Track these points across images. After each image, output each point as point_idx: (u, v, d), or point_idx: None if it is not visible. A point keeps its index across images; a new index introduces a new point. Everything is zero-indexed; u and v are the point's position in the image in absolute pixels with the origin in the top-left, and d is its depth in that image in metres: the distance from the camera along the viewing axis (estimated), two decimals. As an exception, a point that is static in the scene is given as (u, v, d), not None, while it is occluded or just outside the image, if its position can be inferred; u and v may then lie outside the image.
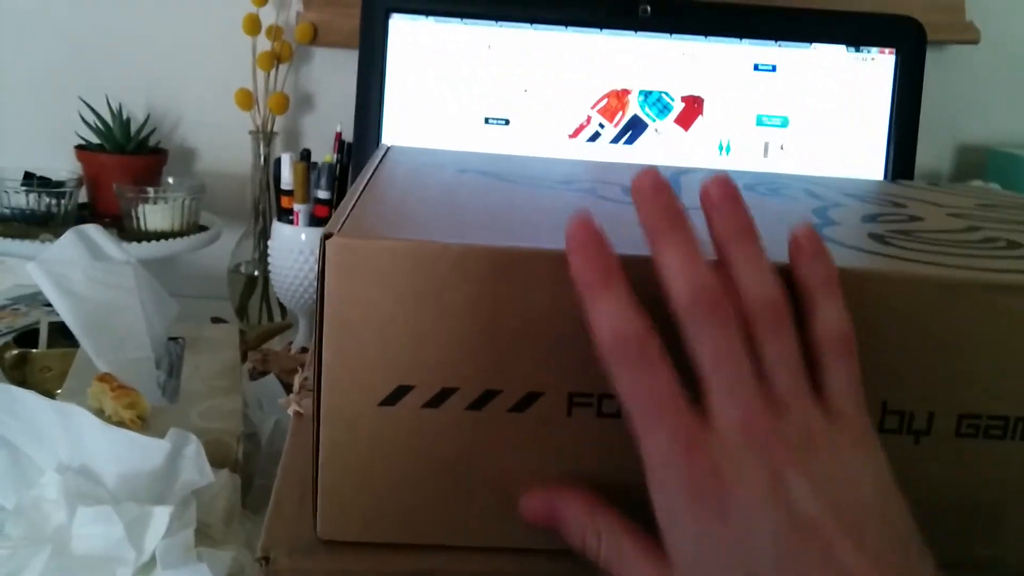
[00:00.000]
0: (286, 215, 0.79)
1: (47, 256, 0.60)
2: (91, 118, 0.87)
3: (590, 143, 0.82)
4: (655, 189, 0.30)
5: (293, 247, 0.78)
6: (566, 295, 0.29)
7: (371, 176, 0.42)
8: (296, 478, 0.34)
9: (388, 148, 0.53)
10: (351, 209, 0.33)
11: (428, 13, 0.79)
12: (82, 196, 0.86)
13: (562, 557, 0.31)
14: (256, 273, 0.89)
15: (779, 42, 0.81)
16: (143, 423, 0.51)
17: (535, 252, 0.30)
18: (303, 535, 0.32)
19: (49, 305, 0.59)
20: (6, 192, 0.79)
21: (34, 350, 0.68)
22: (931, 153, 0.97)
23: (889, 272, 0.31)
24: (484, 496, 0.31)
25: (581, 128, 0.81)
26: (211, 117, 0.93)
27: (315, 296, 0.30)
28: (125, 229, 0.81)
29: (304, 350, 0.75)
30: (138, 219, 0.80)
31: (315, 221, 0.79)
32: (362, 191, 0.38)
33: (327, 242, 0.29)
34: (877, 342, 0.31)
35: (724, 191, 0.30)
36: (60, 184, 0.81)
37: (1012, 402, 0.32)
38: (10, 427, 0.46)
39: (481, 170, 0.48)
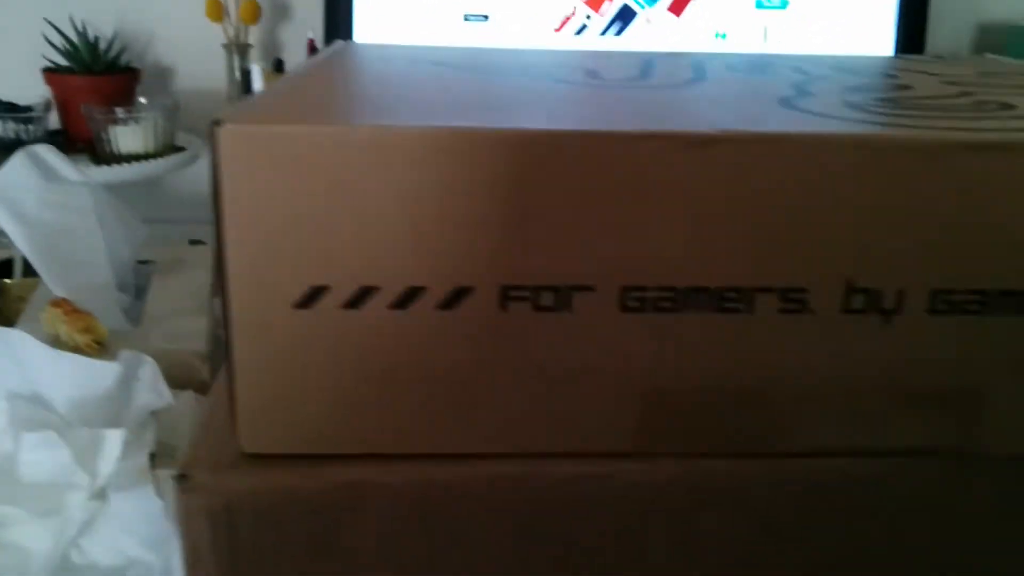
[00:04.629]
0: (261, 129, 0.76)
1: (-5, 180, 0.58)
2: (58, 40, 0.84)
3: (577, 36, 0.77)
4: None
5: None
6: (495, 180, 0.26)
7: (303, 68, 0.38)
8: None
9: (342, 43, 0.49)
10: (256, 98, 0.30)
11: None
12: (56, 122, 0.83)
13: (501, 460, 0.29)
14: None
15: (775, -86, 0.75)
16: (101, 348, 0.50)
17: (456, 132, 0.27)
18: (229, 451, 0.29)
19: (10, 233, 0.57)
20: (-28, 121, 0.77)
21: (8, 280, 0.66)
22: (949, 34, 0.91)
23: (855, 136, 0.28)
24: (414, 401, 0.29)
25: (567, 20, 0.77)
26: (185, 32, 0.89)
27: (209, 191, 0.27)
28: (98, 153, 0.78)
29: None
30: (109, 141, 0.77)
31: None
32: (288, 83, 0.34)
33: (218, 130, 0.26)
34: (839, 213, 0.27)
35: None
36: (27, 109, 0.78)
37: (990, 274, 0.28)
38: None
39: (434, 60, 0.44)
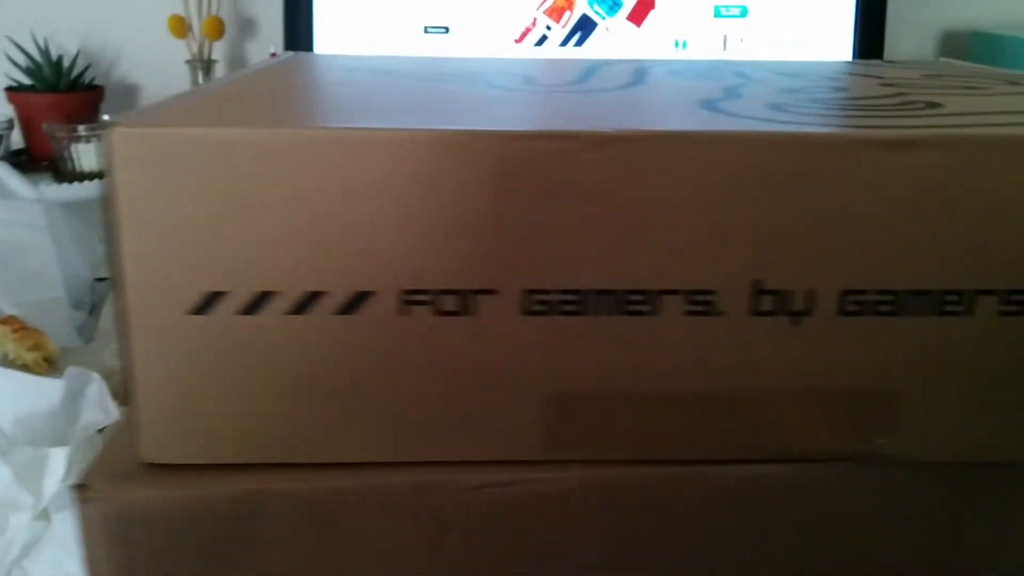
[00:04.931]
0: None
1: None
2: (21, 59, 0.83)
3: (537, 47, 0.77)
4: None
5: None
6: (390, 182, 0.26)
7: (226, 77, 0.38)
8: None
9: (286, 54, 0.49)
10: (160, 102, 0.30)
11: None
12: (20, 140, 0.83)
13: (404, 468, 0.28)
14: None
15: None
16: (50, 365, 0.49)
17: (346, 135, 0.26)
18: (130, 461, 0.29)
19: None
20: (-66, 139, 0.77)
21: (-37, 298, 0.66)
22: (912, 40, 0.91)
23: (763, 135, 0.27)
24: (314, 408, 0.28)
25: (527, 31, 0.77)
26: (149, 49, 0.89)
27: (103, 195, 0.26)
28: (60, 170, 0.78)
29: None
30: (72, 159, 0.77)
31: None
32: (199, 89, 0.34)
33: (109, 132, 0.26)
34: (744, 213, 0.27)
35: None
36: (-11, 127, 0.78)
37: (902, 274, 0.28)
38: None
39: (371, 67, 0.44)
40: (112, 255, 0.27)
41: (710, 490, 0.30)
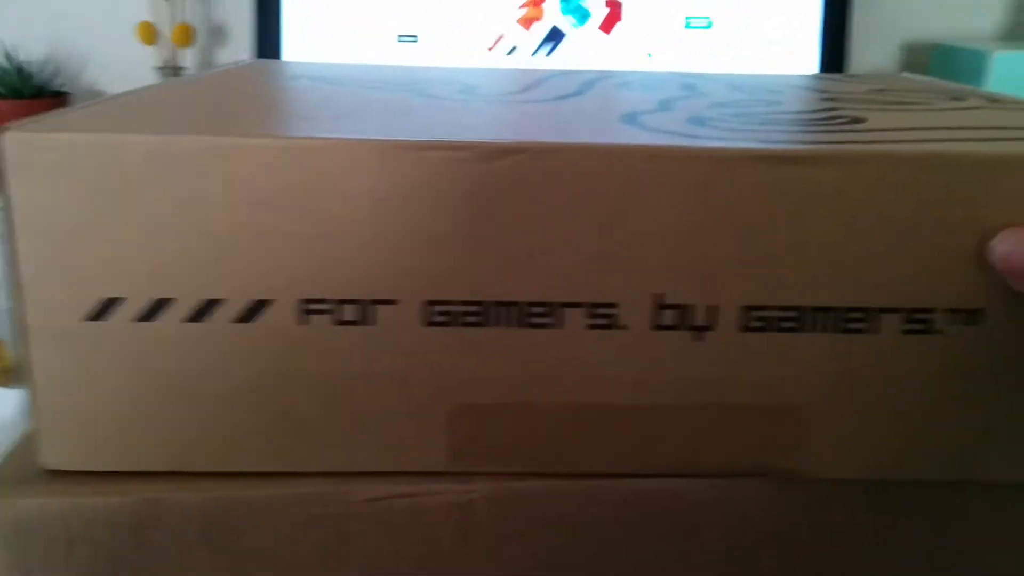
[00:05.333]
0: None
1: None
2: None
3: (508, 56, 0.77)
4: None
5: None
6: (286, 190, 0.26)
7: (163, 83, 0.38)
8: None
9: (241, 61, 0.49)
10: (66, 109, 0.30)
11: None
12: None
13: (305, 479, 0.28)
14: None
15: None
16: (8, 375, 0.49)
17: (242, 142, 0.26)
18: (31, 467, 0.29)
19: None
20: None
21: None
22: (879, 53, 0.91)
23: (656, 149, 0.27)
24: (213, 417, 0.28)
25: (499, 40, 0.77)
26: (118, 56, 0.89)
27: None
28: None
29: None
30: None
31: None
32: (125, 95, 0.34)
33: (3, 138, 0.26)
34: (645, 225, 0.27)
35: None
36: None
37: (805, 290, 0.27)
38: None
39: (314, 75, 0.44)
40: (9, 261, 0.27)
41: (615, 505, 0.29)
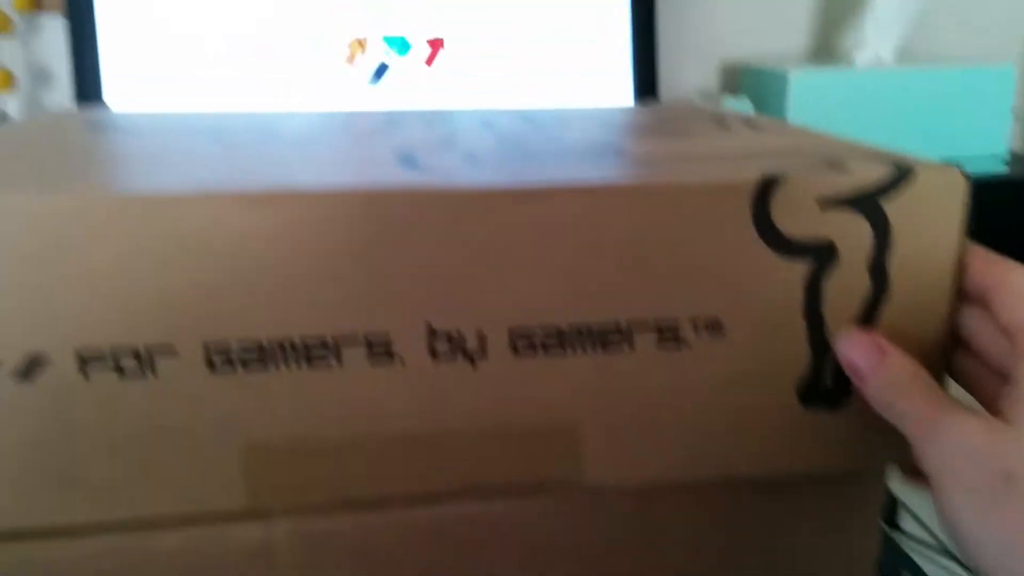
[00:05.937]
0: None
1: None
2: None
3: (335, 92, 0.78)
4: None
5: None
6: (60, 244, 0.26)
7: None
8: None
9: (46, 114, 0.48)
10: None
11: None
12: None
13: (95, 535, 0.28)
14: None
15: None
16: None
17: (7, 200, 0.27)
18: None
19: None
20: None
21: None
22: (700, 71, 0.97)
23: (416, 192, 0.28)
24: (9, 474, 0.28)
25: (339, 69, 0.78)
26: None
27: None
28: None
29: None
30: None
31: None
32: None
33: None
34: (408, 261, 0.28)
35: None
36: None
37: (561, 311, 0.30)
38: None
39: (115, 125, 0.44)
40: None
41: (416, 531, 0.31)
